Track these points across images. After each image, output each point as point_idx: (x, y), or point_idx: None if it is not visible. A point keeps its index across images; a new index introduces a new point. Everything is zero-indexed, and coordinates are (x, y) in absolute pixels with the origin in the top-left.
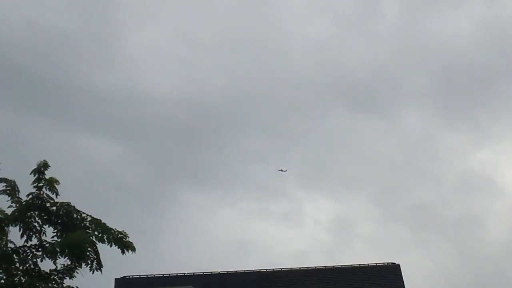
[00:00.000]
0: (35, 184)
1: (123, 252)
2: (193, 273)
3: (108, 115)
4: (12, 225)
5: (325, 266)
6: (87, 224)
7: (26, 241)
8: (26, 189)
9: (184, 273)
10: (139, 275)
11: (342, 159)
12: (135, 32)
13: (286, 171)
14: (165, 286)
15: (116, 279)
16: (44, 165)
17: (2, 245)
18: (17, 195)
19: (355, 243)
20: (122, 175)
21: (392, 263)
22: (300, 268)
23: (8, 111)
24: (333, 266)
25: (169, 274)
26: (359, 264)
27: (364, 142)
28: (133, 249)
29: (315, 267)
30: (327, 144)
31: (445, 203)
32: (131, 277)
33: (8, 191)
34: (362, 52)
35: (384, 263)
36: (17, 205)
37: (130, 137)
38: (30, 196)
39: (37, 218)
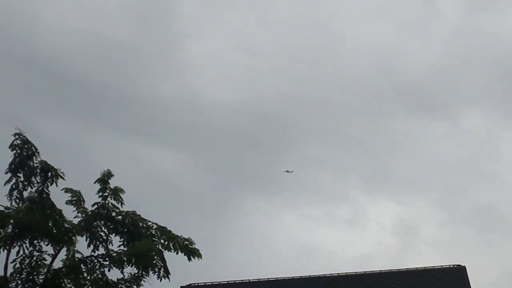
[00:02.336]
0: (100, 194)
1: (189, 259)
2: (258, 279)
3: (170, 124)
4: (79, 235)
5: (390, 270)
6: (153, 232)
7: (93, 250)
8: (91, 199)
9: (249, 280)
10: (204, 283)
11: (404, 161)
12: (195, 41)
13: (292, 171)
14: None
15: (182, 287)
16: (108, 175)
17: (69, 256)
18: (83, 205)
19: (420, 246)
20: (185, 183)
21: (457, 265)
22: (365, 272)
23: (72, 122)
24: (398, 269)
25: (234, 280)
26: (424, 267)
27: (426, 144)
28: (200, 256)
29: (380, 270)
30: (388, 147)
31: (511, 204)
32: (196, 284)
33: (74, 202)
34: (422, 54)
35: (449, 265)
36: (83, 215)
37: (192, 145)
38: (96, 206)
39: (103, 228)
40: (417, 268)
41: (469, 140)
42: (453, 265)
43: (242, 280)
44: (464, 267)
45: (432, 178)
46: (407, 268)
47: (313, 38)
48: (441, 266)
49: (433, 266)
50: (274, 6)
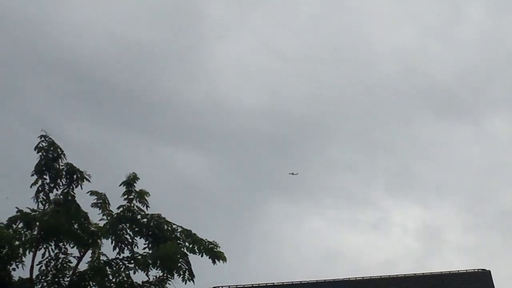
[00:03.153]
0: (125, 197)
1: (214, 262)
2: (282, 283)
3: (195, 127)
4: (104, 238)
5: (414, 274)
6: (178, 235)
7: (119, 253)
8: (116, 202)
9: (273, 283)
10: (229, 286)
11: (429, 165)
12: (220, 44)
13: (297, 174)
14: None
15: None
16: (134, 178)
17: (95, 258)
18: (108, 208)
19: (444, 250)
20: (209, 187)
21: (482, 269)
22: (389, 276)
23: (96, 126)
24: (422, 273)
25: (258, 284)
26: (449, 271)
27: (451, 148)
28: (224, 259)
29: (404, 275)
30: (413, 150)
31: None
32: (221, 287)
33: (99, 204)
34: (448, 57)
35: (474, 269)
36: (109, 217)
37: (217, 149)
38: (121, 209)
39: (128, 230)
40: (441, 272)
41: (494, 144)
42: (478, 269)
43: (266, 284)
44: (489, 271)
45: (457, 182)
46: (431, 272)
47: (339, 41)
48: (466, 270)
49: (458, 270)
50: (300, 8)
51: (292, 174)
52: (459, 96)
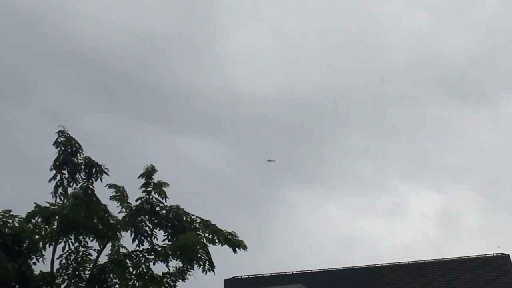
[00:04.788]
0: (143, 189)
1: (234, 251)
2: (301, 271)
3: (210, 116)
4: (124, 231)
5: (433, 259)
6: (197, 226)
7: (138, 245)
8: (134, 194)
9: (292, 272)
10: (248, 275)
11: (445, 150)
12: (233, 33)
13: (274, 160)
14: (273, 285)
15: (225, 280)
16: (152, 170)
17: (114, 251)
18: (127, 200)
19: (462, 235)
20: (226, 176)
21: (501, 253)
22: (408, 262)
23: (112, 118)
24: (441, 259)
25: (277, 273)
26: (468, 256)
27: (467, 132)
28: (245, 247)
29: (423, 260)
30: (429, 135)
31: None
32: (239, 277)
33: (117, 197)
34: (461, 41)
35: (493, 254)
36: (127, 210)
37: (232, 137)
38: (140, 201)
39: (147, 222)
40: (460, 257)
41: (509, 127)
42: (497, 253)
43: (285, 272)
44: (508, 255)
45: (473, 166)
46: (450, 258)
47: (352, 27)
48: (485, 254)
49: (477, 255)
50: None
51: (270, 161)
52: (474, 80)
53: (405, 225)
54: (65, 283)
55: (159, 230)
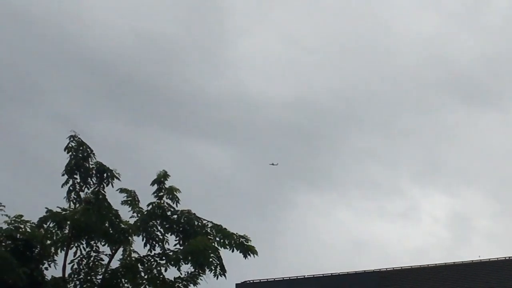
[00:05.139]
0: (155, 194)
1: (245, 256)
2: (313, 275)
3: (220, 120)
4: (135, 235)
5: (445, 263)
6: (208, 231)
7: (150, 250)
8: (145, 198)
9: (303, 276)
10: (259, 279)
11: (456, 153)
12: (244, 36)
13: (277, 164)
14: None
15: (237, 284)
16: (164, 175)
17: (126, 255)
18: (138, 205)
19: (474, 238)
20: (236, 180)
21: None
22: (420, 266)
23: (122, 122)
24: (453, 262)
25: (289, 277)
26: (480, 260)
27: (478, 135)
28: (255, 253)
29: (435, 264)
30: (440, 138)
31: None
32: (251, 281)
33: (129, 202)
34: (472, 44)
35: (505, 257)
36: (139, 215)
37: (242, 141)
38: (151, 206)
39: (159, 227)
40: (472, 260)
41: None
42: (510, 257)
43: (296, 276)
44: None
45: (485, 169)
46: (461, 261)
47: (361, 30)
48: (497, 258)
49: (489, 259)
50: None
51: (272, 164)
52: (484, 83)
53: (416, 228)
54: None
55: (171, 234)
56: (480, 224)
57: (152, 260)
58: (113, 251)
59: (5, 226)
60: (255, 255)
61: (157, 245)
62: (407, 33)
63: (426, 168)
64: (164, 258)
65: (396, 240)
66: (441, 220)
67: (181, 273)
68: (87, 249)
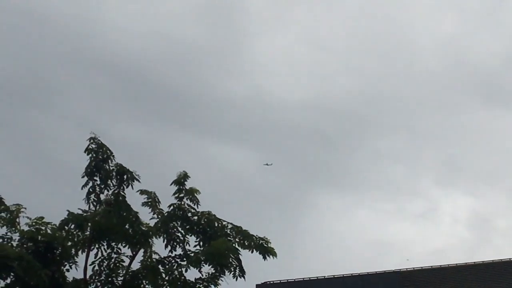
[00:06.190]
0: (176, 195)
1: (264, 258)
2: (333, 275)
3: (240, 122)
4: (156, 237)
5: (466, 263)
6: (228, 232)
7: (171, 251)
8: (165, 200)
9: (324, 276)
10: (280, 280)
11: (477, 154)
12: (263, 38)
13: (271, 164)
14: None
15: (257, 285)
16: (184, 176)
17: (147, 257)
18: (158, 207)
19: (496, 238)
20: (255, 182)
21: None
22: (440, 266)
23: (142, 124)
24: (474, 262)
25: (309, 277)
26: (501, 259)
27: (499, 135)
28: (275, 255)
29: (456, 264)
30: (460, 139)
31: None
32: (271, 282)
33: (149, 203)
34: (492, 45)
35: None
36: (159, 216)
37: (264, 143)
38: (172, 207)
39: (179, 228)
40: (493, 260)
41: None
42: None
43: (317, 277)
44: None
45: (506, 170)
46: (482, 261)
47: (382, 32)
48: None
49: (510, 259)
50: (342, 1)
51: (267, 164)
52: (505, 83)
53: (437, 229)
54: None
55: (191, 236)
56: (501, 225)
57: (173, 261)
58: (134, 253)
59: (26, 228)
60: (274, 257)
61: (178, 246)
62: (428, 34)
63: (446, 169)
64: (185, 259)
65: (417, 241)
66: (462, 220)
67: (202, 274)
68: (108, 251)
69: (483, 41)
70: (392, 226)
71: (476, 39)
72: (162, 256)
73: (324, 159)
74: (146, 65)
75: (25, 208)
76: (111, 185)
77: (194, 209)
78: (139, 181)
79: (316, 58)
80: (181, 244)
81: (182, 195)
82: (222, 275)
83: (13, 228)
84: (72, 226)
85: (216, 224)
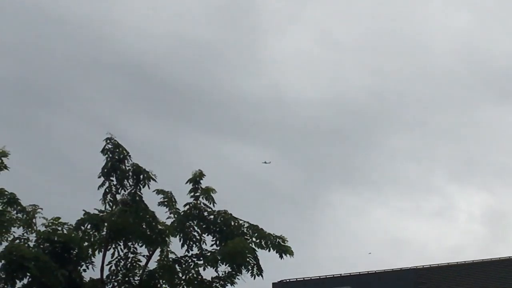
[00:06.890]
0: (191, 194)
1: (281, 257)
2: (349, 273)
3: (256, 121)
4: (172, 236)
5: (482, 260)
6: (245, 231)
7: (187, 250)
8: (181, 200)
9: (340, 274)
10: (296, 278)
11: (491, 150)
12: (277, 37)
13: (270, 162)
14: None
15: (274, 283)
16: (200, 175)
17: (163, 256)
18: (175, 206)
19: (511, 235)
20: (273, 180)
21: None
22: (457, 263)
23: (159, 124)
24: (490, 259)
25: (325, 275)
26: None
27: None
28: (291, 253)
29: (472, 261)
30: (475, 136)
31: None
32: (288, 280)
33: (165, 203)
34: (506, 41)
35: None
36: (175, 215)
37: (279, 142)
38: (188, 206)
39: (196, 228)
40: (509, 257)
41: None
42: None
43: (333, 275)
44: None
45: None
46: (499, 258)
47: (396, 30)
48: None
49: None
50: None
51: (265, 163)
52: None
53: (452, 226)
54: None
55: (208, 235)
56: None
57: (189, 260)
58: (151, 252)
59: (43, 229)
60: (291, 255)
61: (194, 245)
62: (443, 30)
63: (462, 166)
64: (201, 258)
65: (433, 238)
66: (477, 217)
67: (218, 273)
68: (125, 251)
69: (497, 37)
70: (407, 223)
71: (490, 35)
72: (179, 256)
73: (340, 157)
74: (162, 65)
75: (42, 209)
76: (128, 185)
77: (210, 208)
78: (155, 181)
79: (331, 56)
80: (197, 244)
81: (198, 194)
82: (239, 274)
83: (30, 229)
84: (89, 226)
85: (232, 223)
